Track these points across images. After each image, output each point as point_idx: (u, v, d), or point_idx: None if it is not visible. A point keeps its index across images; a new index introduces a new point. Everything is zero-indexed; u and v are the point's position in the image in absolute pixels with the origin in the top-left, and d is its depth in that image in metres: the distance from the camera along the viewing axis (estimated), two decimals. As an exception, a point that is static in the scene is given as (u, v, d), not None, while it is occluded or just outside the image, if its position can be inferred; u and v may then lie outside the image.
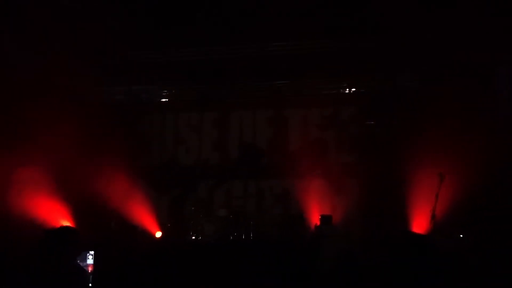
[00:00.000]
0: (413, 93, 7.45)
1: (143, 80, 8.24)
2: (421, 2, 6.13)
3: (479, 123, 6.10)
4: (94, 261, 4.39)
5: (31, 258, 3.12)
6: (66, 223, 5.92)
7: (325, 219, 7.01)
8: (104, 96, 7.98)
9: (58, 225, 5.76)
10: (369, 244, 6.00)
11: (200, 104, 8.47)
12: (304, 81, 8.16)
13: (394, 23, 6.61)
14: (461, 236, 5.86)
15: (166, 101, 8.68)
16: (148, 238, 7.16)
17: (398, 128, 7.42)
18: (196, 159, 8.50)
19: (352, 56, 7.25)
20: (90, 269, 4.34)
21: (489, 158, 5.69)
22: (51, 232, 3.48)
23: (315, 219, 7.19)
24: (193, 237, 7.37)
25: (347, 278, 2.10)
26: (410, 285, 2.10)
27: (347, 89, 8.22)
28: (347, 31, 6.98)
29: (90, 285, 3.99)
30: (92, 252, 4.41)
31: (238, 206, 7.75)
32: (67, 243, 3.42)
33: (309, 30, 6.80)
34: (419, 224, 6.07)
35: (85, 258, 4.37)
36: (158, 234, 7.30)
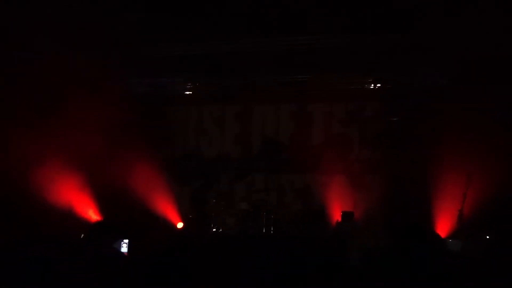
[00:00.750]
0: (439, 91, 7.27)
1: (168, 72, 8.31)
2: None
3: (507, 122, 5.92)
4: (128, 249, 4.48)
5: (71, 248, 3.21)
6: (97, 216, 6.09)
7: (346, 215, 6.97)
8: (129, 87, 8.08)
9: (86, 215, 5.94)
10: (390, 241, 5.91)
11: (223, 97, 8.50)
12: (328, 76, 8.07)
13: (421, 19, 6.45)
14: (488, 237, 5.73)
15: (189, 93, 8.74)
16: (169, 228, 7.27)
17: (422, 125, 7.27)
18: (218, 152, 8.55)
19: (378, 52, 7.12)
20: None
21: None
22: (94, 229, 3.57)
23: (336, 215, 7.14)
24: (214, 229, 7.44)
25: (372, 275, 2.08)
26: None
27: (372, 85, 8.09)
28: (374, 26, 6.85)
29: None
30: (126, 241, 4.49)
31: (259, 200, 7.76)
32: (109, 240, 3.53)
33: (335, 24, 6.71)
34: (443, 224, 5.96)
35: (120, 246, 4.46)
36: (180, 225, 7.40)
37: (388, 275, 2.10)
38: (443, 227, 5.74)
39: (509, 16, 5.71)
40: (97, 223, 3.72)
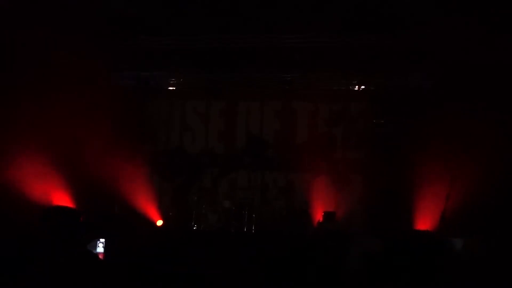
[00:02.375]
0: (424, 93, 7.36)
1: (152, 66, 8.16)
2: (437, 2, 6.03)
3: (491, 124, 6.01)
4: (104, 249, 4.34)
5: (36, 242, 3.07)
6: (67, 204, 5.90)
7: (328, 215, 6.97)
8: (112, 80, 7.91)
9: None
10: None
11: (208, 93, 8.41)
12: (315, 75, 8.07)
13: (408, 22, 6.51)
14: (469, 237, 5.80)
15: (173, 89, 8.62)
16: (149, 226, 7.14)
17: (406, 127, 7.34)
18: (202, 147, 8.46)
19: (364, 53, 7.16)
20: (100, 257, 4.29)
21: (501, 159, 5.61)
22: (49, 211, 3.41)
23: (318, 214, 7.15)
24: (195, 227, 7.35)
25: (366, 278, 2.05)
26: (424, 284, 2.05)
27: (357, 86, 8.13)
28: (361, 28, 6.89)
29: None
30: (102, 240, 4.35)
31: (242, 197, 7.71)
32: (68, 224, 3.35)
33: (322, 24, 6.71)
34: (424, 224, 6.02)
35: (95, 246, 4.32)
36: (159, 223, 7.28)
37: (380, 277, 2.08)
38: (424, 226, 5.79)
39: (492, 21, 5.79)
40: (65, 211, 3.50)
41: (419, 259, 2.14)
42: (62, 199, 6.47)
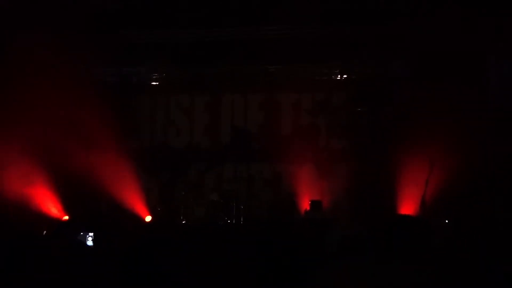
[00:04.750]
0: (404, 81, 7.49)
1: (134, 61, 8.11)
2: None
3: (470, 111, 6.18)
4: (93, 242, 4.39)
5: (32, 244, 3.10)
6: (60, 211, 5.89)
7: (315, 204, 7.10)
8: (94, 76, 7.83)
9: (49, 211, 5.73)
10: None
11: (191, 87, 8.40)
12: (296, 66, 8.13)
13: (387, 11, 6.59)
14: (446, 221, 6.00)
15: (157, 84, 8.57)
16: (138, 222, 7.16)
17: (388, 115, 7.47)
18: (187, 142, 8.47)
19: (344, 43, 7.23)
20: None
21: (479, 146, 5.79)
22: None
23: (305, 204, 7.26)
24: (183, 221, 7.39)
25: (348, 263, 2.14)
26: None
27: (339, 76, 8.22)
28: (341, 17, 6.95)
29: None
30: (91, 234, 4.40)
31: (229, 190, 7.77)
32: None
33: (302, 14, 6.75)
34: (408, 209, 6.19)
35: (85, 240, 4.36)
36: (148, 219, 7.30)
37: (363, 261, 2.17)
38: (407, 211, 5.96)
39: (472, 11, 5.91)
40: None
41: (397, 241, 2.24)
42: (47, 198, 6.45)
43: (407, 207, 5.99)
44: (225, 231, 7.01)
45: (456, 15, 5.99)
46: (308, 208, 7.13)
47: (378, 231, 2.30)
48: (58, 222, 5.73)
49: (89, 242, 4.45)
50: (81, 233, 4.47)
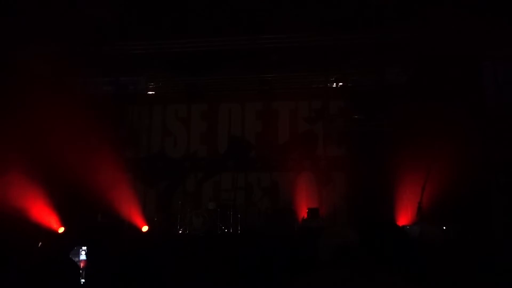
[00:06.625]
0: (401, 89, 7.51)
1: (131, 71, 8.13)
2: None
3: (466, 118, 6.19)
4: (87, 256, 4.35)
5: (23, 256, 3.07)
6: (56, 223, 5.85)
7: (312, 212, 7.07)
8: (91, 87, 7.85)
9: (45, 221, 5.69)
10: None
11: (188, 96, 8.42)
12: (293, 74, 8.15)
13: (383, 19, 6.63)
14: (444, 228, 5.97)
15: (153, 93, 8.59)
16: (135, 232, 7.12)
17: (385, 122, 7.48)
18: (184, 151, 8.46)
19: (341, 51, 7.27)
20: (82, 264, 4.30)
21: (475, 153, 5.79)
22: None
23: (303, 212, 7.23)
24: (180, 231, 7.35)
25: (343, 270, 2.13)
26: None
27: (335, 84, 8.25)
28: (336, 26, 6.99)
29: (82, 281, 3.96)
30: (84, 248, 4.36)
31: (226, 199, 7.74)
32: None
33: (299, 23, 6.78)
34: (405, 216, 6.17)
35: (78, 254, 4.32)
36: (145, 229, 7.27)
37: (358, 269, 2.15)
38: (405, 218, 5.94)
39: (467, 14, 5.94)
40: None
41: (387, 248, 2.24)
42: (43, 209, 6.42)
43: (404, 214, 5.97)
44: (223, 240, 6.97)
45: (451, 22, 6.03)
46: (305, 216, 7.10)
47: (368, 239, 2.30)
48: (54, 233, 5.69)
49: (82, 256, 4.41)
50: (75, 247, 4.43)
